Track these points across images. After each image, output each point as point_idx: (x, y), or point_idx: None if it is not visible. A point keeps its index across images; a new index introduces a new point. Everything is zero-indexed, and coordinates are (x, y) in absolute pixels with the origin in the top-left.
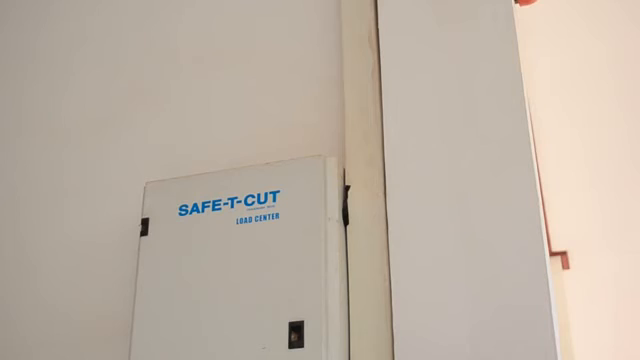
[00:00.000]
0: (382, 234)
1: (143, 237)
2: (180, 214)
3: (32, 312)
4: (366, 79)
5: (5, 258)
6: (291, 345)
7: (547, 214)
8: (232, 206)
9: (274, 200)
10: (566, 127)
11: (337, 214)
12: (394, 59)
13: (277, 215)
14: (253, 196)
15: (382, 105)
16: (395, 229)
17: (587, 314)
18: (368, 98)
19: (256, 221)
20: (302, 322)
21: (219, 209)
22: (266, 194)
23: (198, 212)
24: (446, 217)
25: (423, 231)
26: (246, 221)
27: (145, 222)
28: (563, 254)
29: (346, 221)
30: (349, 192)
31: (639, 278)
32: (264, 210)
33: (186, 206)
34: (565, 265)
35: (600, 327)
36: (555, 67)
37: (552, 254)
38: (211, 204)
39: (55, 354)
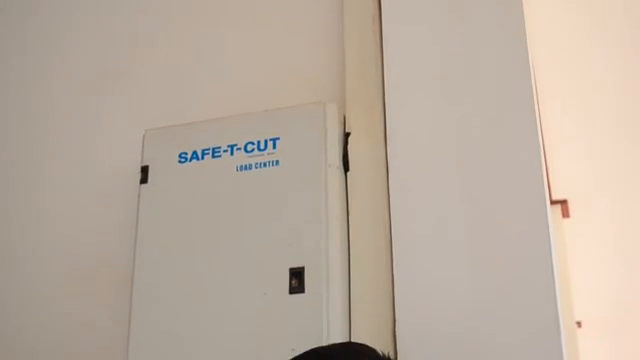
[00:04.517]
0: (382, 180)
1: (143, 185)
2: (180, 162)
3: (32, 259)
4: (366, 25)
5: (7, 206)
6: (292, 291)
7: (548, 162)
8: (232, 153)
9: (274, 147)
10: (568, 76)
11: (337, 161)
12: (395, 5)
13: (277, 162)
14: (253, 143)
15: (382, 52)
16: (395, 175)
17: (586, 262)
18: (368, 44)
19: (256, 168)
20: (302, 268)
21: (219, 156)
22: (266, 141)
23: (198, 160)
24: (446, 163)
25: (423, 177)
26: (246, 168)
27: (145, 170)
28: (563, 202)
29: (346, 168)
30: (349, 139)
31: (638, 226)
32: (264, 157)
33: (185, 154)
34: (565, 213)
35: (600, 275)
36: (560, 19)
37: (552, 202)
38: (211, 151)
39: (55, 300)
